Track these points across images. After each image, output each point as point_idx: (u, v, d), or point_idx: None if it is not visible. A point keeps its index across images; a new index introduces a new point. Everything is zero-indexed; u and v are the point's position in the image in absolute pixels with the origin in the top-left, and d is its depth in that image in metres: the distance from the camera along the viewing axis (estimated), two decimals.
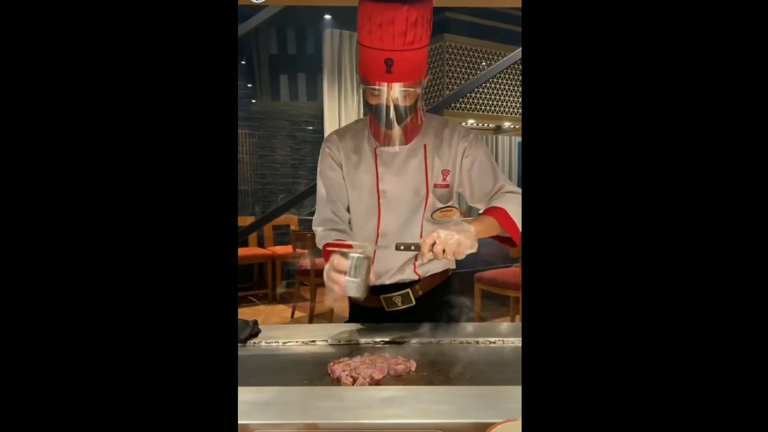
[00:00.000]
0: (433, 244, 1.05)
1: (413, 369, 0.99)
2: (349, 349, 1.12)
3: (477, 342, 1.16)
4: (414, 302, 1.28)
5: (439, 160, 1.25)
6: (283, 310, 4.24)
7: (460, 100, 4.80)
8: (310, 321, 3.67)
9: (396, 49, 1.06)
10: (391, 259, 1.26)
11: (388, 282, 1.28)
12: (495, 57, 5.04)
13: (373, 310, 1.30)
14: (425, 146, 1.25)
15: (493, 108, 5.11)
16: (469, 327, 1.26)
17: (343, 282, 1.04)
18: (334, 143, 1.27)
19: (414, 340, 1.16)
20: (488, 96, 5.06)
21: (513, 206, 1.20)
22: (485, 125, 5.49)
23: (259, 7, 2.71)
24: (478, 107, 5.02)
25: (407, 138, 1.23)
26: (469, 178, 1.26)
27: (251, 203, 5.11)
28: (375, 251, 1.12)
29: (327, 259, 1.17)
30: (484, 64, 4.95)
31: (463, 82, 4.78)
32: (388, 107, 1.12)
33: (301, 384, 0.94)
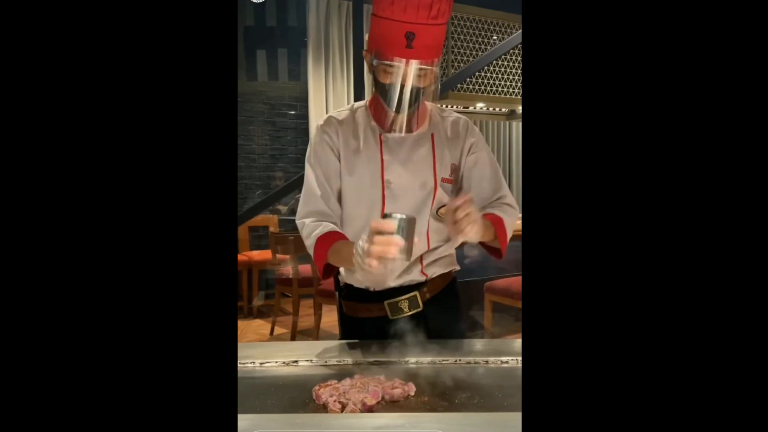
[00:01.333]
0: (466, 214, 1.09)
1: (412, 393, 0.99)
2: (338, 370, 1.12)
3: (487, 362, 1.17)
4: (422, 306, 1.31)
5: (448, 153, 1.29)
6: (261, 325, 4.25)
7: (467, 80, 4.81)
8: (293, 338, 3.68)
9: (419, 22, 1.11)
10: (398, 259, 1.26)
11: (393, 284, 1.30)
12: (508, 30, 5.05)
13: (371, 321, 1.31)
14: (432, 136, 1.29)
15: (505, 90, 5.12)
16: (478, 344, 1.27)
17: (397, 242, 1.01)
18: (333, 126, 1.28)
19: (413, 360, 1.16)
20: (500, 75, 5.07)
21: (509, 218, 1.29)
22: (496, 109, 5.50)
23: None
24: (489, 88, 5.03)
25: (415, 126, 1.27)
26: (469, 178, 1.32)
27: None
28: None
29: (321, 255, 1.19)
30: (495, 38, 4.96)
31: (471, 59, 4.79)
32: (403, 87, 1.15)
33: (282, 411, 0.94)
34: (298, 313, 3.67)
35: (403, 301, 1.30)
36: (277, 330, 4.01)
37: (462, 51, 4.83)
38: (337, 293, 1.41)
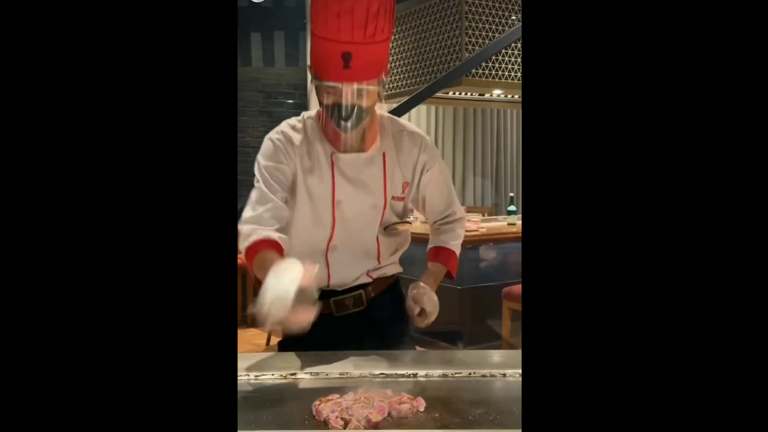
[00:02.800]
0: (421, 311, 1.32)
1: (422, 409, 1.00)
2: (341, 383, 1.13)
3: (504, 375, 1.17)
4: (365, 304, 1.42)
5: (399, 171, 1.39)
6: (256, 335, 4.27)
7: (483, 64, 4.79)
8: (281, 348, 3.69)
9: (355, 41, 1.16)
10: (347, 272, 1.39)
11: (339, 290, 1.41)
12: None
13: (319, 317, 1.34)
14: (384, 155, 1.37)
15: None
16: (495, 356, 1.28)
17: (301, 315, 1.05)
18: (292, 143, 1.34)
19: (423, 372, 1.17)
20: (519, 60, 5.06)
21: (457, 241, 1.51)
22: (515, 97, 5.49)
23: None
24: (506, 74, 5.01)
25: (366, 144, 1.35)
26: (424, 195, 1.44)
27: None
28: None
29: (250, 263, 1.24)
30: (514, 18, 4.95)
31: (486, 41, 4.78)
32: (345, 107, 1.21)
33: (280, 428, 0.95)
34: None
35: (348, 299, 1.41)
36: (274, 339, 4.03)
37: (477, 33, 4.82)
38: None
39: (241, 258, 1.30)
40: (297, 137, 1.35)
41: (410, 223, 1.51)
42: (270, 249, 1.23)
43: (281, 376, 1.18)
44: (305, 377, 1.17)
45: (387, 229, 1.43)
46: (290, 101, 5.36)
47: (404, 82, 5.07)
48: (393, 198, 1.40)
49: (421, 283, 1.37)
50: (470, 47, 4.71)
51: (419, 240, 1.65)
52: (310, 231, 1.37)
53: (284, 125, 1.38)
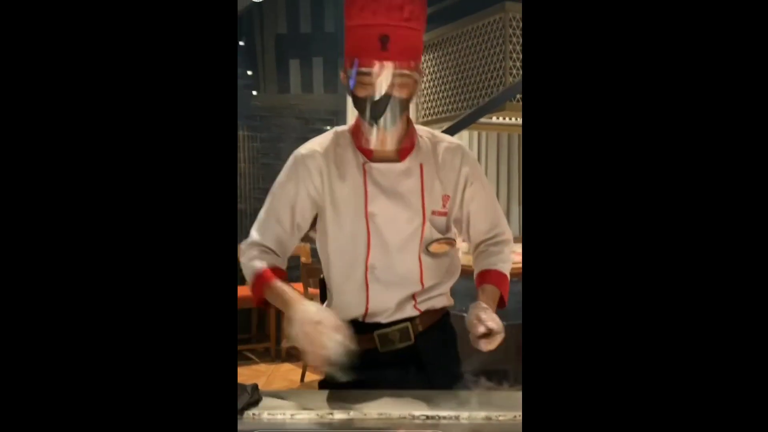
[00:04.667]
0: (486, 332, 1.23)
1: None
2: (380, 424, 1.13)
3: None
4: (413, 339, 1.37)
5: (439, 184, 1.36)
6: (290, 370, 4.27)
7: None
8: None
9: (392, 23, 1.19)
10: (388, 296, 1.35)
11: (384, 321, 1.36)
12: None
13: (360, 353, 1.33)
14: (421, 166, 1.35)
15: None
16: None
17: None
18: (315, 160, 1.34)
19: (465, 414, 1.16)
20: None
21: (507, 264, 1.44)
22: None
23: None
24: None
25: (401, 154, 1.33)
26: (468, 212, 1.40)
27: (249, 226, 5.21)
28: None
29: (259, 292, 1.31)
30: None
31: None
32: (380, 99, 1.21)
33: None
34: None
35: (394, 332, 1.36)
36: (309, 376, 4.03)
37: (521, 56, 4.83)
38: None
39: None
40: (323, 146, 1.36)
41: (454, 240, 1.44)
42: (276, 280, 1.30)
43: (318, 414, 1.18)
44: (342, 416, 1.17)
45: (430, 248, 1.38)
46: (328, 127, 5.41)
47: (446, 107, 5.09)
48: (433, 213, 1.36)
49: (482, 304, 1.30)
50: (514, 71, 4.71)
51: (464, 272, 1.57)
52: (346, 249, 1.35)
53: (311, 146, 1.38)
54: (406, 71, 1.23)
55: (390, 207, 1.32)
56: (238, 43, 5.18)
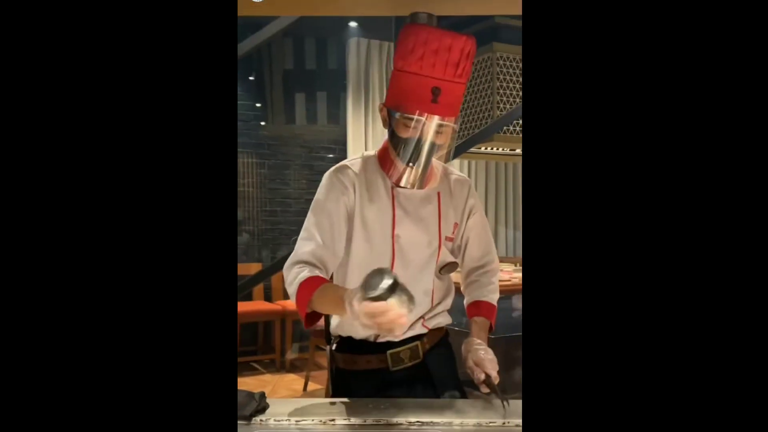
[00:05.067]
0: (487, 376, 1.25)
1: None
2: (376, 430, 1.12)
3: None
4: (421, 357, 1.37)
5: (452, 212, 1.38)
6: (294, 380, 4.24)
7: (515, 122, 4.84)
8: (327, 394, 3.65)
9: (446, 78, 1.19)
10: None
11: (396, 340, 1.34)
12: None
13: (369, 373, 1.34)
14: (439, 194, 1.36)
15: None
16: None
17: (401, 315, 1.00)
18: (348, 176, 1.32)
19: (457, 421, 1.15)
20: None
21: (495, 295, 1.46)
22: None
23: (271, 17, 2.84)
24: None
25: (425, 182, 1.32)
26: (467, 239, 1.42)
27: (258, 247, 5.22)
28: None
29: (304, 301, 1.19)
30: None
31: (517, 100, 4.83)
32: (421, 141, 1.22)
33: None
34: None
35: (405, 351, 1.35)
36: (311, 386, 4.00)
37: (508, 92, 4.88)
38: (329, 347, 1.44)
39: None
40: (357, 167, 1.34)
41: (458, 263, 1.45)
42: (325, 283, 1.22)
43: (321, 421, 1.17)
44: (343, 423, 1.17)
45: (441, 270, 1.39)
46: (330, 156, 5.47)
47: None
48: (446, 238, 1.37)
49: (476, 342, 1.32)
50: (501, 106, 4.76)
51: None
52: (369, 264, 1.26)
53: (344, 163, 1.36)
54: (449, 123, 1.23)
55: (413, 230, 1.33)
56: (246, 76, 5.23)
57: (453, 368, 1.43)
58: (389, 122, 1.28)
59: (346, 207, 1.31)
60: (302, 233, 1.32)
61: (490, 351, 1.30)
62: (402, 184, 1.28)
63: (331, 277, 1.34)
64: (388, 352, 1.34)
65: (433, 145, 1.23)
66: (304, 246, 1.28)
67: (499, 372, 1.27)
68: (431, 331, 1.40)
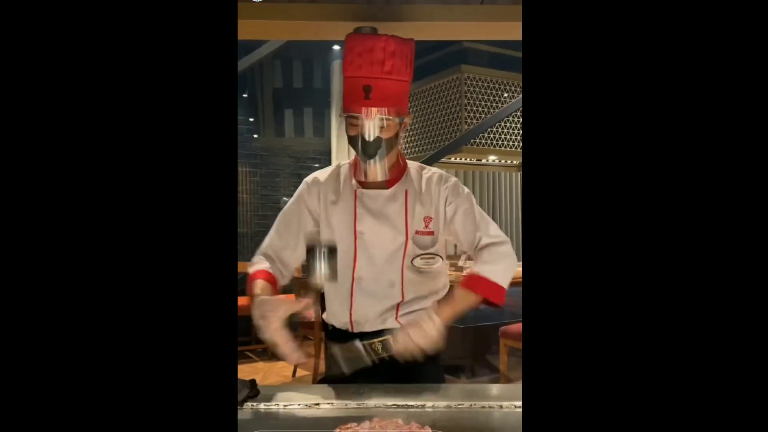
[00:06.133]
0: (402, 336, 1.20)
1: None
2: (358, 413, 1.11)
3: (501, 406, 1.15)
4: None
5: (421, 207, 1.33)
6: (284, 367, 4.20)
7: (480, 135, 4.87)
8: (314, 381, 3.62)
9: (373, 76, 1.21)
10: (371, 306, 1.32)
11: (368, 330, 1.33)
12: (518, 88, 5.14)
13: (353, 359, 1.32)
14: (406, 192, 1.34)
15: (516, 144, 5.17)
16: (494, 389, 1.25)
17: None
18: (315, 185, 1.37)
19: (429, 403, 1.15)
20: (511, 131, 5.13)
21: (490, 266, 1.28)
22: (508, 162, 5.55)
23: (262, 41, 2.84)
24: (500, 143, 5.09)
25: (389, 182, 1.32)
26: (453, 228, 1.34)
27: (251, 247, 5.16)
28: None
29: (249, 287, 1.31)
30: (506, 95, 5.05)
31: (483, 116, 4.87)
32: (366, 137, 1.23)
33: None
34: (319, 356, 3.63)
35: (377, 343, 1.28)
36: (299, 372, 3.97)
37: (475, 108, 4.91)
38: (323, 333, 1.45)
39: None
40: (324, 176, 1.38)
41: (441, 257, 1.36)
42: (262, 278, 1.31)
43: (306, 405, 1.16)
44: (327, 407, 1.16)
45: (413, 262, 1.32)
46: (316, 165, 5.46)
47: (414, 150, 5.14)
48: (417, 232, 1.32)
49: (433, 308, 1.24)
50: (469, 121, 4.79)
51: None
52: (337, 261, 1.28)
53: (315, 174, 1.39)
54: (388, 116, 1.23)
55: (376, 226, 1.31)
56: (239, 93, 5.19)
57: (434, 366, 1.36)
58: (345, 125, 1.30)
59: (308, 209, 1.36)
60: (274, 229, 1.39)
61: (429, 322, 1.20)
62: (368, 179, 1.30)
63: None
64: (360, 342, 1.29)
65: (380, 140, 1.23)
66: (264, 242, 1.39)
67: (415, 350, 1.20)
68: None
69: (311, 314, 3.68)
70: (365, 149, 1.23)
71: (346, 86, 1.25)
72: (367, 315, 1.33)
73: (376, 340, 1.29)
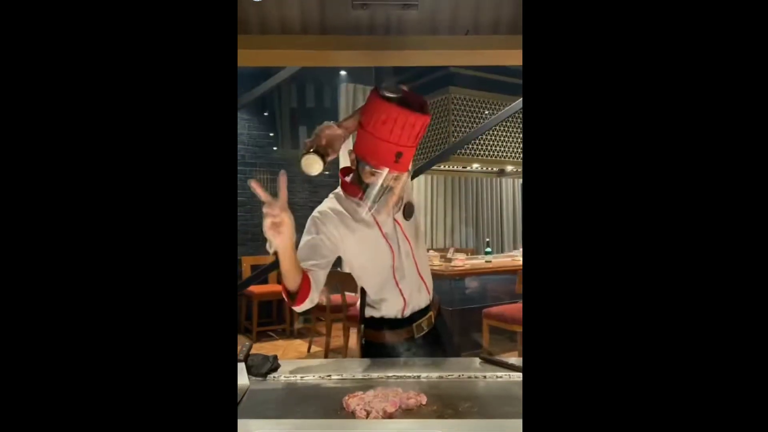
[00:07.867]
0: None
1: (424, 403, 0.98)
2: (363, 384, 1.11)
3: (485, 377, 1.14)
4: (434, 323, 1.38)
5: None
6: (300, 344, 4.20)
7: (466, 146, 4.87)
8: (326, 356, 3.62)
9: (408, 145, 1.17)
10: (416, 291, 1.34)
11: (416, 309, 1.35)
12: (497, 107, 5.14)
13: (389, 347, 1.32)
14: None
15: (496, 153, 5.17)
16: (477, 362, 1.25)
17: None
18: (331, 219, 1.26)
19: (424, 375, 1.15)
20: (491, 142, 5.13)
21: None
22: (489, 169, 5.54)
23: (280, 66, 2.84)
24: (483, 153, 5.09)
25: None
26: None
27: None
28: None
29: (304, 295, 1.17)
30: (487, 112, 5.04)
31: (467, 130, 4.86)
32: (381, 187, 1.20)
33: (319, 417, 0.93)
34: (330, 335, 3.63)
35: (424, 321, 1.36)
36: (314, 348, 3.96)
37: (461, 123, 4.91)
38: (362, 325, 1.39)
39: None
40: (333, 206, 1.30)
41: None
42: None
43: (320, 377, 1.16)
44: (337, 378, 1.16)
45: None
46: (327, 173, 5.44)
47: None
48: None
49: None
50: (456, 134, 4.79)
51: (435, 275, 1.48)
52: (375, 263, 1.30)
53: (321, 206, 1.31)
54: (403, 175, 1.22)
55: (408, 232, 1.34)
56: (261, 112, 5.18)
57: (449, 328, 1.46)
58: (356, 167, 1.25)
59: (329, 240, 1.25)
60: (305, 247, 1.27)
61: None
62: (359, 217, 1.26)
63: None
64: (413, 325, 1.33)
65: (389, 188, 1.22)
66: (311, 254, 1.24)
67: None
68: (432, 300, 1.40)
69: (323, 299, 3.69)
70: (375, 195, 1.20)
71: (375, 143, 1.16)
72: (419, 301, 1.36)
73: (422, 319, 1.34)
